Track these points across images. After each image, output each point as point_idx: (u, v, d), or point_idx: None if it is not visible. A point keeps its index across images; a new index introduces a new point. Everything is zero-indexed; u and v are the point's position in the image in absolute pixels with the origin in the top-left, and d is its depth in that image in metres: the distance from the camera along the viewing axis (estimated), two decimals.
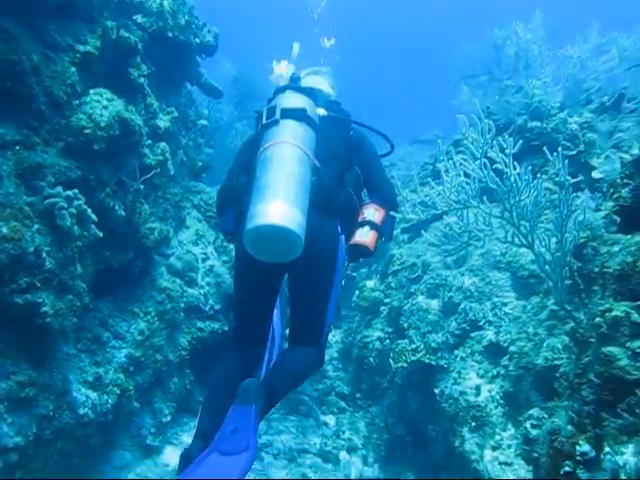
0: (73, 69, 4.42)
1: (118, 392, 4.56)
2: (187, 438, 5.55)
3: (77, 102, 4.38)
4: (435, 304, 5.30)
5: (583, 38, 6.42)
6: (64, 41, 4.46)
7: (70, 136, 4.23)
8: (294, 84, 3.71)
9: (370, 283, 7.25)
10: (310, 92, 3.53)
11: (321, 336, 3.27)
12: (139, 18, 5.59)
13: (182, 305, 5.60)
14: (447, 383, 4.58)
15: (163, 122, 5.73)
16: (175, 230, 6.10)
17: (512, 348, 4.14)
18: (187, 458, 2.81)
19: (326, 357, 3.89)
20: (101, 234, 4.18)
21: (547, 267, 2.97)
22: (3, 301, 3.65)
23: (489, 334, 4.56)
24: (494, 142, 3.06)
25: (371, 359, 6.22)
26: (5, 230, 3.58)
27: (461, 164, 3.20)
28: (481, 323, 4.69)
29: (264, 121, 3.31)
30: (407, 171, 10.13)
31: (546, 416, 3.33)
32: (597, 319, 2.34)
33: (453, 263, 5.36)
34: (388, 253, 7.46)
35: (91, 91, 4.48)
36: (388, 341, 6.15)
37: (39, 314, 3.80)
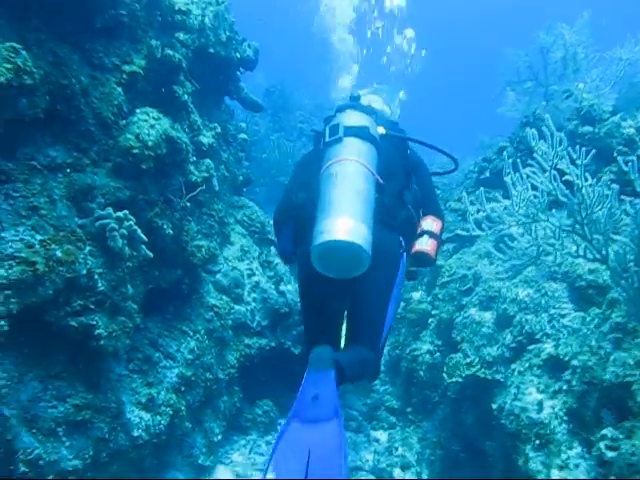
0: (119, 89, 4.42)
1: (171, 413, 4.54)
2: (238, 457, 5.52)
3: (124, 122, 4.38)
4: (489, 316, 5.17)
5: (635, 39, 6.24)
6: (110, 61, 4.46)
7: (118, 156, 4.22)
8: (354, 102, 3.66)
9: (417, 295, 7.15)
10: (371, 111, 3.53)
11: (379, 342, 3.16)
12: (181, 35, 5.59)
13: (230, 322, 5.56)
14: (506, 398, 4.43)
15: (207, 139, 5.71)
16: (220, 246, 6.07)
17: (574, 362, 3.98)
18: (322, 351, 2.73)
19: None
20: (151, 254, 4.17)
21: (623, 282, 2.83)
22: (58, 324, 3.66)
23: (547, 347, 4.40)
24: (564, 153, 2.94)
25: (421, 373, 6.10)
26: (59, 254, 3.58)
27: (529, 177, 3.09)
28: (538, 336, 4.54)
29: (327, 139, 3.29)
30: (449, 179, 10.03)
31: (622, 437, 3.18)
32: None
33: (505, 273, 5.22)
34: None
35: (137, 110, 4.47)
36: (438, 354, 6.03)
37: (93, 336, 3.81)
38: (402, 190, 3.41)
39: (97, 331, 3.79)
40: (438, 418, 5.78)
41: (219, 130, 6.09)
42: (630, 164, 2.84)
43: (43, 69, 3.71)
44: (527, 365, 4.47)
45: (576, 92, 5.86)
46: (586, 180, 2.89)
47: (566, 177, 2.95)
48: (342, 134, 3.23)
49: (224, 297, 5.65)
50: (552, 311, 4.58)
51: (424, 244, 3.32)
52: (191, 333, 5.05)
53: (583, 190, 2.87)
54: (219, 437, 5.35)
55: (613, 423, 3.31)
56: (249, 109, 7.78)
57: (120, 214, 3.93)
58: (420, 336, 6.48)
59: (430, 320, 6.47)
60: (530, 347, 4.56)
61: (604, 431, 3.31)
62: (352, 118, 3.36)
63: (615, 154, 4.90)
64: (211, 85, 6.39)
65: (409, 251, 3.34)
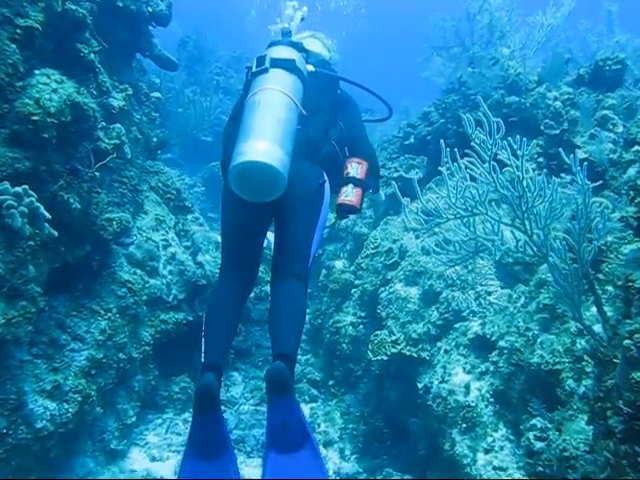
0: (14, 46, 3.95)
1: (79, 399, 4.22)
2: (153, 437, 5.26)
3: (21, 84, 3.94)
4: (415, 292, 5.05)
5: (555, 5, 6.18)
6: (0, 14, 3.99)
7: (16, 123, 3.79)
8: (285, 39, 3.73)
9: (339, 263, 7.00)
10: (301, 48, 3.65)
11: (306, 266, 3.30)
12: None
13: (144, 298, 5.23)
14: (432, 378, 4.35)
15: (117, 101, 5.29)
16: (133, 216, 5.69)
17: (501, 343, 3.92)
18: (206, 392, 2.72)
19: None
20: (56, 233, 3.79)
21: (562, 281, 2.72)
22: None
23: (474, 326, 4.33)
24: (504, 143, 2.78)
25: (344, 345, 5.97)
26: None
27: (467, 167, 2.92)
28: (465, 313, 4.47)
29: (253, 69, 3.41)
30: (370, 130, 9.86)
31: (550, 427, 3.13)
32: (625, 341, 2.11)
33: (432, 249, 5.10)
34: (355, 230, 7.22)
35: (37, 72, 4.03)
36: (362, 327, 5.91)
37: None
38: (327, 126, 3.57)
39: None
40: (362, 392, 5.68)
41: (130, 92, 5.64)
42: (571, 156, 2.68)
43: None
44: (453, 344, 4.40)
45: (502, 59, 5.74)
46: (527, 172, 2.74)
47: (506, 168, 2.80)
48: (268, 65, 3.34)
49: (138, 271, 5.30)
50: (479, 288, 4.50)
51: (350, 194, 3.52)
52: (102, 312, 4.71)
53: (524, 182, 2.73)
54: (133, 419, 5.06)
55: (541, 412, 3.26)
56: (163, 67, 7.29)
57: (19, 189, 3.53)
58: (343, 307, 6.34)
59: (353, 291, 6.33)
60: (457, 325, 4.49)
61: (533, 421, 3.26)
62: (280, 52, 3.47)
63: (542, 127, 4.85)
64: (120, 42, 5.90)
65: (332, 187, 3.53)
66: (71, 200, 4.14)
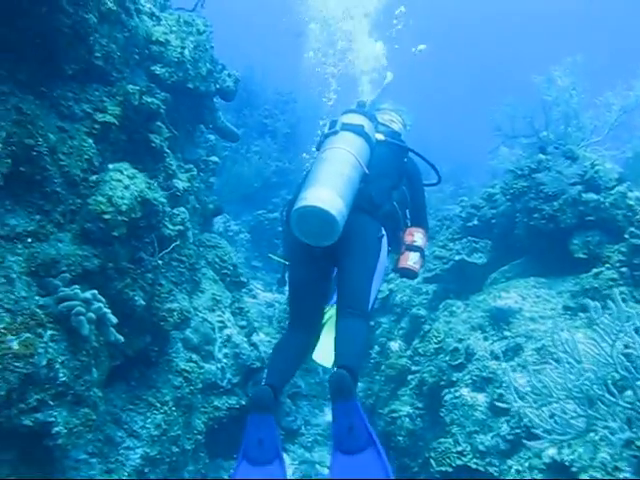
0: (90, 141, 3.96)
1: None
2: None
3: (95, 178, 3.91)
4: (482, 399, 4.80)
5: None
6: (81, 109, 4.00)
7: (87, 221, 3.74)
8: (358, 108, 3.98)
9: (395, 345, 6.79)
10: (372, 117, 3.90)
11: (367, 306, 3.43)
12: (158, 69, 5.11)
13: (199, 385, 5.10)
14: None
15: (182, 183, 5.26)
16: (190, 295, 5.61)
17: (583, 476, 3.66)
18: (262, 396, 3.04)
19: None
20: (122, 339, 3.70)
21: None
22: (9, 423, 3.18)
23: (550, 449, 4.06)
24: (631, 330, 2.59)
25: (400, 438, 5.72)
26: (16, 346, 3.12)
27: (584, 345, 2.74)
28: (539, 431, 4.21)
29: (326, 131, 3.71)
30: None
31: None
32: None
33: (502, 354, 4.89)
34: (412, 311, 7.04)
35: (110, 166, 4.00)
36: (419, 420, 5.67)
37: (50, 435, 3.34)
38: (391, 188, 3.77)
39: (55, 429, 3.32)
40: None
41: (195, 172, 5.62)
42: None
43: (5, 130, 3.25)
44: (527, 465, 4.11)
45: (577, 152, 5.55)
46: None
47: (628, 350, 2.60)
48: (339, 128, 3.65)
49: (194, 356, 5.18)
50: (555, 406, 4.25)
51: (416, 262, 3.81)
52: (158, 405, 4.58)
53: None
54: None
55: None
56: (225, 139, 7.32)
57: (88, 295, 3.46)
58: (399, 394, 6.11)
59: (410, 377, 6.11)
60: (530, 443, 4.22)
61: None
62: (352, 118, 3.75)
63: (627, 236, 4.64)
64: (186, 118, 5.91)
65: (391, 244, 3.69)
66: (136, 297, 4.06)
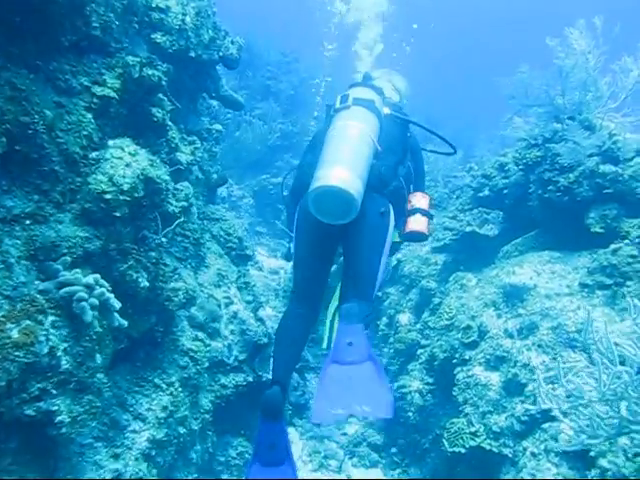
0: (89, 116, 3.77)
1: None
2: None
3: (95, 155, 3.74)
4: (496, 379, 4.67)
5: None
6: (79, 83, 3.80)
7: (88, 201, 3.58)
8: (366, 81, 4.07)
9: (404, 318, 6.69)
10: (380, 92, 3.93)
11: (372, 292, 3.47)
12: (158, 37, 4.89)
13: (206, 364, 4.99)
14: None
15: (185, 156, 5.08)
16: (195, 270, 5.47)
17: (603, 462, 3.52)
18: (271, 402, 3.09)
19: None
20: (126, 323, 3.58)
21: None
22: (11, 413, 3.08)
23: (566, 430, 3.95)
24: None
25: (410, 414, 5.65)
26: (16, 334, 3.01)
27: (617, 345, 2.60)
28: (554, 413, 4.09)
29: (337, 106, 3.70)
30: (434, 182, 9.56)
31: None
32: None
33: (517, 332, 4.75)
34: (422, 284, 6.92)
35: (110, 143, 3.83)
36: (430, 396, 5.59)
37: (53, 424, 3.24)
38: (397, 164, 3.77)
39: (58, 418, 3.23)
40: (428, 468, 5.35)
41: (198, 144, 5.44)
42: None
43: None
44: (542, 447, 3.99)
45: (594, 121, 5.34)
46: None
47: None
48: (351, 103, 3.64)
49: (200, 334, 5.06)
50: (570, 386, 4.13)
51: (418, 222, 3.78)
52: (164, 386, 4.48)
53: None
54: None
55: None
56: (229, 107, 7.10)
57: (90, 280, 3.32)
58: (408, 369, 6.02)
59: (420, 352, 6.02)
60: (544, 425, 4.11)
61: None
62: (362, 93, 3.76)
63: None
64: (188, 88, 5.70)
65: (397, 219, 3.70)
66: (140, 279, 3.92)
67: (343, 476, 5.80)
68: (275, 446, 3.04)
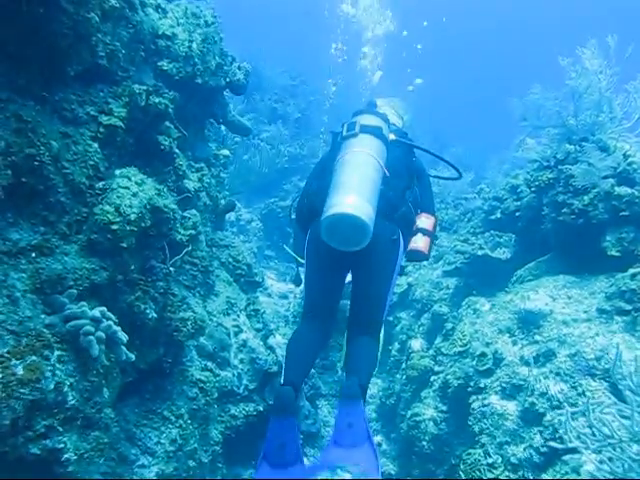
0: (95, 146, 3.72)
1: None
2: None
3: (101, 185, 3.69)
4: (512, 408, 4.55)
5: None
6: (85, 112, 3.75)
7: (94, 232, 3.51)
8: (371, 108, 4.16)
9: (416, 344, 6.57)
10: (386, 118, 4.00)
11: (379, 327, 3.64)
12: (165, 64, 4.86)
13: (215, 395, 4.90)
14: None
15: (193, 183, 5.03)
16: (203, 299, 5.40)
17: None
18: (284, 398, 3.08)
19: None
20: (133, 357, 3.50)
21: None
22: (16, 452, 2.99)
23: (588, 464, 3.82)
24: None
25: (424, 443, 5.51)
26: (21, 371, 2.93)
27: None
28: (574, 444, 3.97)
29: (344, 133, 3.78)
30: (444, 204, 9.50)
31: None
32: None
33: (533, 360, 4.63)
34: (434, 309, 6.82)
35: (117, 172, 3.78)
36: (444, 424, 5.46)
37: (59, 462, 3.15)
38: (405, 189, 3.86)
39: (65, 455, 3.14)
40: None
41: (206, 171, 5.39)
42: None
43: (5, 140, 3.03)
44: None
45: (609, 142, 5.26)
46: None
47: None
48: (358, 130, 3.72)
49: (209, 364, 4.98)
50: (591, 416, 4.01)
51: (419, 241, 3.84)
52: (173, 419, 4.38)
53: None
54: None
55: None
56: (236, 133, 7.07)
57: (97, 313, 3.25)
58: (422, 396, 5.90)
59: (433, 378, 5.90)
60: (565, 457, 3.99)
61: None
62: (368, 120, 3.84)
63: None
64: (195, 114, 5.67)
65: (405, 245, 3.79)
66: (147, 310, 3.85)
67: None
68: (285, 446, 2.96)
